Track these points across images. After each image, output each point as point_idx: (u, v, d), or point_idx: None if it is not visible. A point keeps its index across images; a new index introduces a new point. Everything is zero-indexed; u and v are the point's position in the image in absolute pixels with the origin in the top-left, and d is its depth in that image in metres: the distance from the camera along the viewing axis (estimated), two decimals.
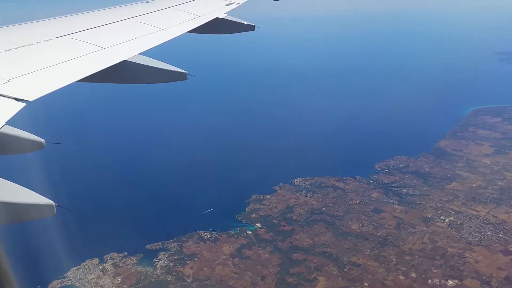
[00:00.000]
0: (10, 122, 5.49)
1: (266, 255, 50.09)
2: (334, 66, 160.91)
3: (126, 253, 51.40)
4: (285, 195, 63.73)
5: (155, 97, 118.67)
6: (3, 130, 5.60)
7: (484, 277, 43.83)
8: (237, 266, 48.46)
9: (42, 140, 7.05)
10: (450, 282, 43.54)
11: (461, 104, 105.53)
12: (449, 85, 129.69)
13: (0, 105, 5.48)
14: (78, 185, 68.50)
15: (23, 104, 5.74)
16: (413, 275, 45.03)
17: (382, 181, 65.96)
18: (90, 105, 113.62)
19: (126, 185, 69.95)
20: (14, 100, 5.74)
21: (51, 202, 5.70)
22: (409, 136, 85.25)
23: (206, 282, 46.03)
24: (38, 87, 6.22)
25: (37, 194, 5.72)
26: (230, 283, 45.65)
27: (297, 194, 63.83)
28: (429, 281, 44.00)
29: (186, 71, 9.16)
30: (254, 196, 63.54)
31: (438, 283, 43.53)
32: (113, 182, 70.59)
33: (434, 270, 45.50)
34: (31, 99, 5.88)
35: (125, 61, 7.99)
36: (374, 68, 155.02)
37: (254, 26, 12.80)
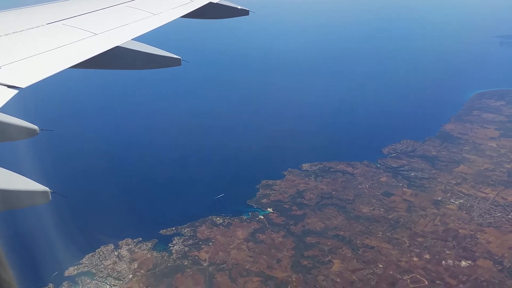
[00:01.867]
0: (2, 109, 5.56)
1: (280, 239, 50.62)
2: (333, 51, 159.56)
3: (140, 239, 51.80)
4: (294, 180, 64.07)
5: (148, 83, 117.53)
6: None
7: (496, 257, 44.61)
8: (252, 250, 48.98)
9: (35, 127, 6.92)
10: (463, 263, 44.30)
11: (464, 88, 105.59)
12: (450, 69, 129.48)
13: None
14: (77, 172, 68.39)
15: (15, 91, 5.75)
16: (427, 256, 45.75)
17: (390, 165, 66.41)
18: (83, 91, 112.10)
19: (130, 172, 69.91)
20: (6, 87, 5.73)
21: (46, 188, 5.69)
22: (414, 120, 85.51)
23: (223, 266, 46.57)
24: (30, 73, 6.20)
25: (32, 181, 5.71)
26: (246, 267, 46.20)
27: (306, 179, 64.19)
28: (443, 262, 44.74)
29: (179, 57, 9.18)
30: (264, 181, 63.82)
31: (451, 264, 44.28)
32: (114, 169, 70.52)
33: (447, 252, 46.22)
34: (23, 86, 5.89)
35: (117, 47, 7.92)
36: (374, 53, 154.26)
37: (248, 10, 12.71)
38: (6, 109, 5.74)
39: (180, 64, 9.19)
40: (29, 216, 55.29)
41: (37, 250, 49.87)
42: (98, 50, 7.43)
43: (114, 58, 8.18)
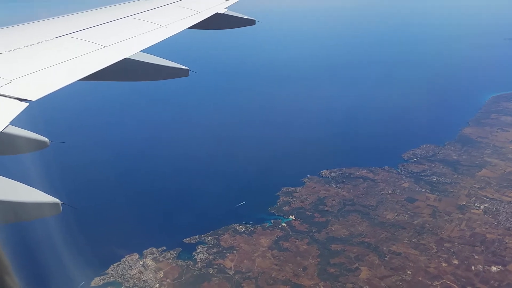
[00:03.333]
0: (13, 122, 5.48)
1: (304, 247, 50.29)
2: (344, 57, 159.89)
3: (164, 248, 51.77)
4: (314, 187, 63.81)
5: (157, 94, 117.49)
6: (7, 130, 5.49)
7: None
8: (277, 258, 48.69)
9: (46, 139, 7.02)
10: (493, 268, 43.61)
11: (480, 91, 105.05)
12: (464, 73, 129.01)
13: (3, 105, 5.48)
14: (92, 183, 68.56)
15: (26, 104, 5.76)
16: (456, 261, 45.13)
17: (411, 170, 65.89)
18: (93, 103, 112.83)
19: (148, 182, 70.08)
20: (17, 100, 5.75)
21: (56, 200, 5.77)
22: (432, 124, 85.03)
23: (249, 274, 46.31)
24: (40, 86, 6.24)
25: (43, 193, 5.79)
26: (272, 275, 45.90)
27: (327, 185, 63.90)
28: (472, 267, 44.10)
29: (187, 68, 9.16)
30: (284, 188, 63.65)
31: (481, 269, 43.60)
32: (130, 179, 70.80)
33: (476, 257, 45.57)
34: (34, 99, 5.90)
35: (126, 58, 7.97)
36: (387, 58, 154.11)
37: (254, 20, 12.71)
38: (17, 122, 5.77)
39: (188, 75, 9.20)
40: (51, 228, 55.62)
41: (62, 262, 50.12)
42: (107, 62, 7.49)
43: (123, 70, 8.24)
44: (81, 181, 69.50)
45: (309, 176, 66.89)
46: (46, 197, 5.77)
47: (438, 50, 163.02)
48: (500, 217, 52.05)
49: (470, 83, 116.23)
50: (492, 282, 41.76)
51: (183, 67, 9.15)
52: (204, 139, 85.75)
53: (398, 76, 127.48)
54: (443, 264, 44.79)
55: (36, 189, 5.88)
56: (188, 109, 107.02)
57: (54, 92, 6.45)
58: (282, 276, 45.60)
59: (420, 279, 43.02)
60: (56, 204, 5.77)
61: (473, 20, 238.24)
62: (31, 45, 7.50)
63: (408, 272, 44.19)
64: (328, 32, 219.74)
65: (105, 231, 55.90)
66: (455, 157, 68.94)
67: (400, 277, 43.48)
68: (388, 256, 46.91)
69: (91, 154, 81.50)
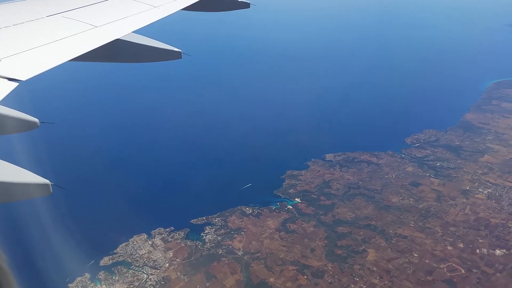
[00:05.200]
0: (2, 102, 5.55)
1: (311, 229, 50.94)
2: (340, 42, 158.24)
3: (172, 228, 52.17)
4: (319, 170, 64.23)
5: (149, 76, 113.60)
6: None
7: None
8: (285, 239, 49.33)
9: (36, 120, 6.89)
10: (498, 252, 44.60)
11: (480, 77, 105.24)
12: (464, 59, 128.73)
13: None
14: (86, 166, 67.84)
15: (15, 84, 5.74)
16: (461, 245, 46.07)
17: (414, 155, 66.49)
18: (84, 84, 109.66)
19: (151, 164, 69.85)
20: (6, 79, 5.72)
21: (46, 181, 5.73)
22: (434, 110, 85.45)
23: (257, 255, 46.95)
24: (30, 66, 6.17)
25: (33, 174, 5.76)
26: (281, 256, 46.60)
27: (331, 169, 64.35)
28: (477, 251, 45.07)
29: (180, 50, 9.09)
30: (289, 171, 64.00)
31: (486, 253, 44.58)
32: (130, 162, 70.25)
33: (481, 240, 46.52)
34: (23, 79, 5.88)
35: (118, 39, 7.87)
36: (386, 43, 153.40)
37: (249, 3, 12.58)
38: (6, 102, 5.73)
39: (181, 57, 9.11)
40: (57, 207, 55.76)
41: (70, 241, 50.35)
42: (98, 43, 7.35)
43: (115, 51, 8.13)
44: (75, 163, 68.95)
45: (313, 159, 67.24)
46: (36, 178, 5.72)
47: (436, 36, 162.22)
48: (503, 202, 53.00)
49: (471, 69, 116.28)
50: (497, 265, 42.77)
51: (176, 49, 9.03)
52: (205, 122, 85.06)
53: (398, 61, 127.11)
54: (449, 247, 45.71)
55: (26, 170, 5.83)
56: (183, 92, 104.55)
57: (44, 72, 6.39)
58: (291, 257, 46.31)
59: (427, 261, 43.93)
60: (46, 185, 5.72)
61: (471, 5, 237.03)
62: (21, 23, 7.32)
63: (415, 254, 45.09)
64: (329, 16, 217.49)
65: (111, 212, 56.09)
66: (458, 143, 69.60)
67: (407, 260, 44.36)
68: (394, 239, 47.74)
69: (82, 136, 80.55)
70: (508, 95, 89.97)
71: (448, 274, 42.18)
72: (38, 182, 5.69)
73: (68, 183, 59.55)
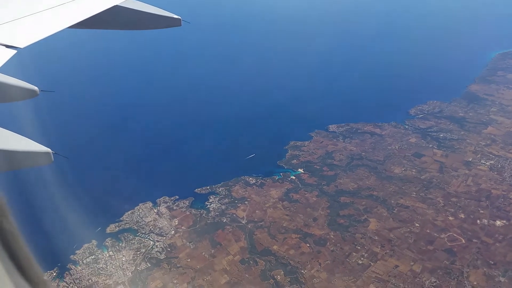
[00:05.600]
0: (1, 70, 5.48)
1: (314, 199, 51.57)
2: (345, 12, 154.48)
3: (177, 197, 52.83)
4: (322, 141, 64.36)
5: (149, 43, 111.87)
6: None
7: None
8: (288, 208, 50.05)
9: (35, 88, 6.83)
10: (498, 222, 45.30)
11: (485, 48, 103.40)
12: (468, 29, 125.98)
13: None
14: (87, 135, 68.21)
15: (13, 51, 5.63)
16: (462, 215, 46.74)
17: (418, 126, 66.43)
18: (83, 51, 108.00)
19: (152, 134, 69.97)
20: (4, 47, 5.60)
21: (48, 149, 5.71)
22: (438, 80, 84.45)
23: (261, 223, 47.79)
24: (28, 33, 6.04)
25: (34, 142, 5.73)
26: (284, 225, 47.43)
27: (334, 140, 64.46)
28: (478, 221, 45.76)
29: (179, 17, 8.90)
30: (292, 142, 64.14)
31: (486, 223, 45.29)
32: (131, 133, 70.17)
33: (481, 211, 47.15)
34: (21, 46, 5.76)
35: (116, 6, 7.75)
36: (388, 13, 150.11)
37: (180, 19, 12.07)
38: (5, 69, 5.64)
39: (180, 25, 8.91)
40: (63, 176, 56.34)
41: (76, 209, 51.14)
42: (97, 9, 7.22)
43: (113, 18, 7.98)
44: (76, 131, 69.18)
45: (316, 130, 67.20)
46: (37, 146, 5.73)
47: (440, 5, 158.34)
48: (505, 174, 53.36)
49: (474, 39, 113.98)
50: (497, 235, 43.55)
51: (175, 16, 8.86)
52: (209, 92, 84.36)
53: (402, 32, 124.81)
54: (450, 218, 46.41)
55: (27, 138, 5.81)
56: (186, 60, 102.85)
57: (43, 39, 6.28)
58: (293, 226, 47.14)
59: (428, 231, 44.73)
60: (47, 153, 5.71)
61: None
62: None
63: (416, 224, 45.84)
64: None
65: (114, 181, 56.76)
66: (462, 114, 69.37)
67: (408, 229, 45.15)
68: (396, 209, 48.41)
69: (83, 104, 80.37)
70: None
71: (449, 244, 43.05)
72: (39, 150, 5.67)
73: (70, 151, 60.04)
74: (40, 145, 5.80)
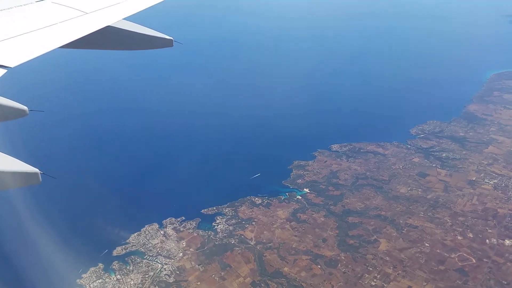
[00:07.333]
0: None
1: (322, 219, 51.41)
2: (344, 33, 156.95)
3: (183, 218, 52.32)
4: (326, 160, 64.58)
5: (140, 64, 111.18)
6: None
7: None
8: (296, 229, 49.77)
9: (25, 107, 6.78)
10: (507, 242, 45.44)
11: (480, 68, 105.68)
12: (464, 50, 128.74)
13: None
14: (88, 156, 67.38)
15: (3, 71, 5.64)
16: (470, 235, 46.86)
17: (420, 145, 67.05)
18: (74, 72, 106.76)
19: (157, 155, 69.63)
20: None
21: (36, 170, 5.69)
22: (436, 100, 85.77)
23: (270, 244, 47.38)
24: (19, 53, 6.02)
25: (22, 162, 5.72)
26: (293, 245, 47.07)
27: (338, 159, 64.72)
28: (487, 240, 45.88)
29: (172, 38, 8.99)
30: (296, 162, 64.26)
31: (496, 243, 45.41)
32: (135, 153, 69.82)
33: (490, 230, 47.34)
34: (12, 65, 5.75)
35: (108, 26, 7.74)
36: (387, 35, 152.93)
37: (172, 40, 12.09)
38: None
39: (172, 45, 8.98)
40: (68, 198, 55.75)
41: (82, 232, 50.38)
42: (89, 29, 7.21)
43: (105, 38, 7.99)
44: (65, 152, 68.27)
45: (319, 150, 67.49)
46: (25, 167, 5.68)
47: (435, 27, 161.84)
48: (510, 193, 53.87)
49: (471, 60, 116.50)
50: (507, 255, 43.63)
51: (167, 37, 8.90)
52: (213, 114, 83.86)
53: (400, 53, 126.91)
54: (459, 237, 46.49)
55: (15, 159, 5.77)
56: (184, 82, 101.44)
57: (33, 59, 6.22)
58: (303, 247, 46.81)
59: (438, 251, 44.68)
60: (35, 173, 5.68)
61: None
62: (8, 9, 7.16)
63: (426, 244, 45.80)
64: (327, 2, 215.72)
65: (123, 203, 56.12)
66: (462, 134, 70.26)
67: (419, 249, 45.07)
68: (405, 229, 48.40)
69: (73, 124, 79.50)
70: (509, 86, 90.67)
71: (460, 264, 42.98)
72: (27, 170, 5.61)
73: (65, 173, 59.42)
74: (28, 165, 5.73)
